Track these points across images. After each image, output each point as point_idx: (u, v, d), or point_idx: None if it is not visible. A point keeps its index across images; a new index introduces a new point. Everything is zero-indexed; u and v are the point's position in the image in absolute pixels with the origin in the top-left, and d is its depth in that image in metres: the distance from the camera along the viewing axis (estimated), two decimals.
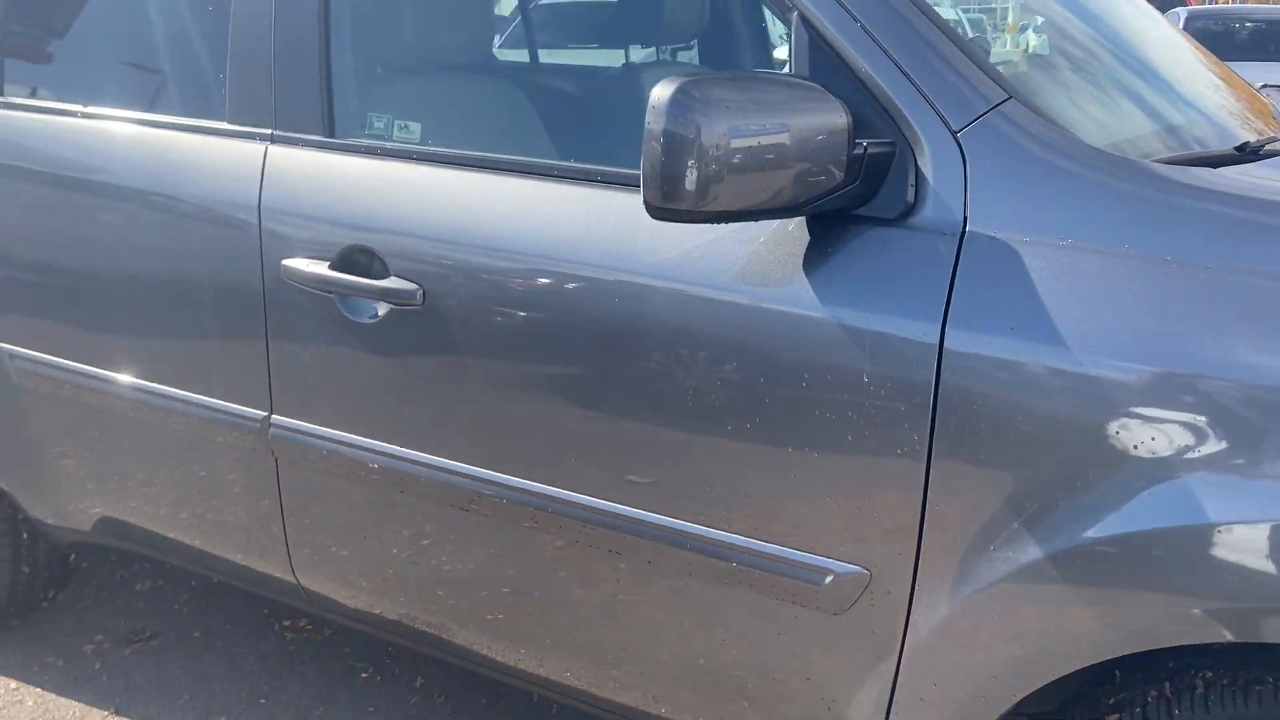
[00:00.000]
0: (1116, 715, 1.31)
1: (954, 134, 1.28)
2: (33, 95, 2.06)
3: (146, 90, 1.94)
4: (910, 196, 1.30)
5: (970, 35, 2.73)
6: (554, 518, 1.55)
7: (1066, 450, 1.19)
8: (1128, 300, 1.18)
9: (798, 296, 1.32)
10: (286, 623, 2.61)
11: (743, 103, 1.21)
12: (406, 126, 1.68)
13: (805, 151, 1.23)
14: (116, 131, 1.91)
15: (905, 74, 1.30)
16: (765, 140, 1.21)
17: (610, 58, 2.62)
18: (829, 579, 1.36)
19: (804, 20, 1.34)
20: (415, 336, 1.60)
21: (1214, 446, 1.13)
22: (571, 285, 1.47)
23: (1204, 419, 1.13)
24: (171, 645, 2.55)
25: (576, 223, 1.48)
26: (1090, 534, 1.19)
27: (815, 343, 1.31)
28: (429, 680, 2.40)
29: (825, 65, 1.33)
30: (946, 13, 2.36)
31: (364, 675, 2.43)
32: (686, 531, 1.45)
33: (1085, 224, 1.22)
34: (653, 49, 2.56)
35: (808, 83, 1.26)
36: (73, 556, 2.57)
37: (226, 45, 1.76)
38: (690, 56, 2.60)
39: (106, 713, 2.32)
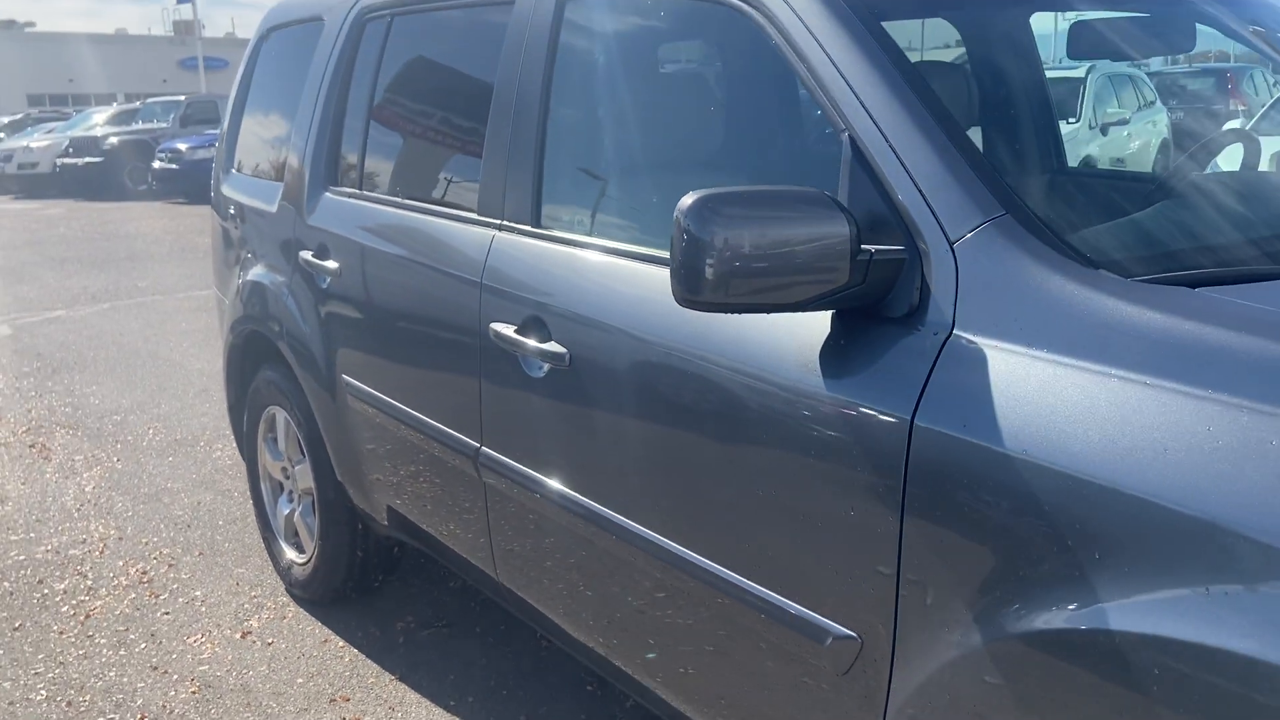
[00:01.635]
0: None
1: (951, 245, 1.39)
2: (374, 189, 2.73)
3: (438, 187, 2.51)
4: (915, 299, 1.42)
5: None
6: (650, 558, 1.81)
7: (1008, 542, 1.26)
8: (1070, 410, 1.23)
9: (816, 381, 1.49)
10: (545, 636, 3.05)
11: (756, 214, 1.42)
12: (582, 220, 2.06)
13: (811, 257, 1.41)
14: (412, 216, 2.49)
15: (920, 190, 1.44)
16: (773, 247, 1.41)
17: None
18: (829, 640, 1.50)
19: (850, 140, 1.53)
20: (566, 392, 1.95)
21: (1131, 563, 1.15)
22: (659, 360, 1.74)
23: (1122, 533, 1.15)
24: (457, 635, 3.10)
25: (669, 307, 1.75)
26: (1033, 626, 1.23)
27: (821, 420, 1.47)
28: (638, 703, 2.70)
29: (864, 179, 1.50)
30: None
31: (589, 688, 2.79)
32: (721, 576, 1.66)
33: (1042, 335, 1.28)
34: None
35: (817, 195, 1.44)
36: (395, 549, 3.21)
37: (481, 158, 2.26)
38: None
39: (395, 676, 2.89)
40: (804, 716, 1.60)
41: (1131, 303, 1.25)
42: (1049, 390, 1.25)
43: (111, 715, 2.75)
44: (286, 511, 3.35)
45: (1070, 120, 10.01)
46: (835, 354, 1.49)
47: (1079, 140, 9.71)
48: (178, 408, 5.51)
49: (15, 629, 3.22)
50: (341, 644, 3.08)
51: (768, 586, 1.59)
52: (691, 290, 1.44)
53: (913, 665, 1.38)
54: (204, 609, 3.31)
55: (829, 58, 1.59)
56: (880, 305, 1.46)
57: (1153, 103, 11.81)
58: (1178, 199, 1.74)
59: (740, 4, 1.74)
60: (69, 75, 46.43)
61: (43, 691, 2.87)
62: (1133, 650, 1.12)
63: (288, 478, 3.33)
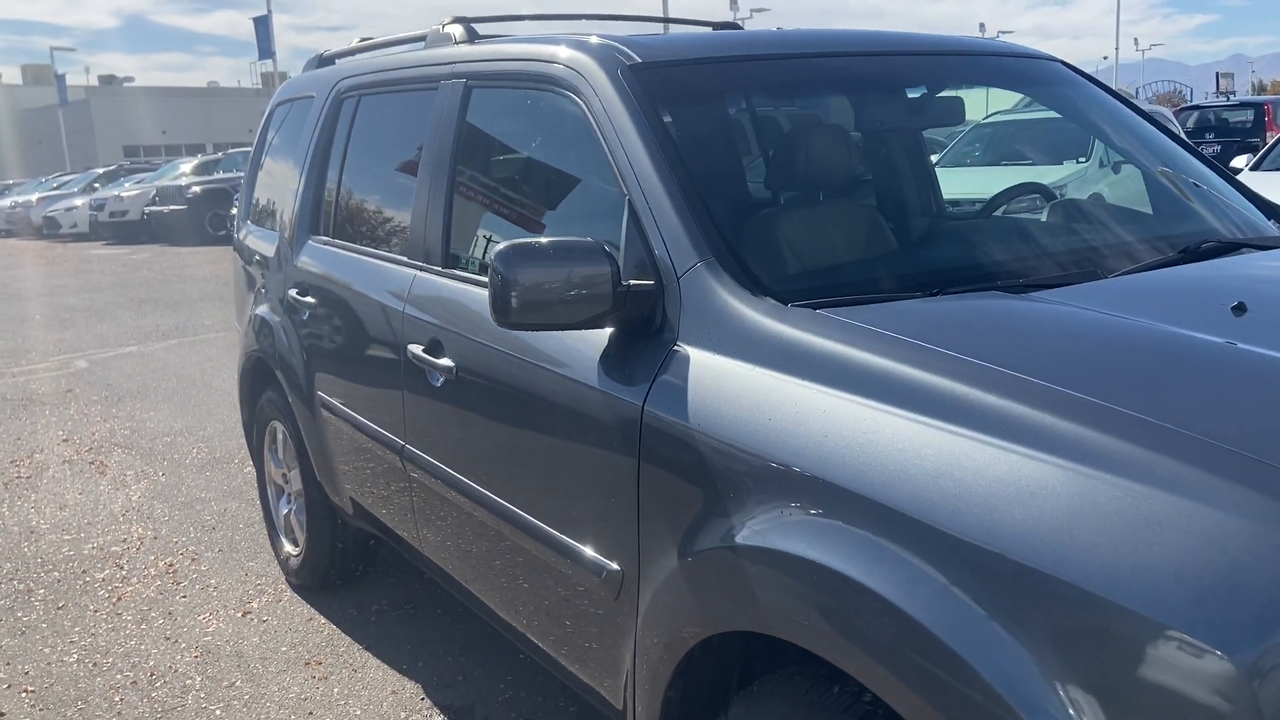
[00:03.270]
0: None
1: (677, 279, 1.89)
2: (340, 236, 3.31)
3: (382, 235, 3.07)
4: (659, 319, 1.92)
5: None
6: (498, 517, 2.32)
7: (696, 489, 1.74)
8: (727, 396, 1.71)
9: (586, 367, 2.00)
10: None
11: (546, 259, 1.93)
12: (473, 261, 2.59)
13: (586, 290, 1.92)
14: (362, 260, 3.05)
15: (664, 241, 1.94)
16: (559, 283, 1.92)
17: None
18: (604, 574, 1.99)
19: (629, 202, 2.03)
20: (454, 396, 2.48)
21: (752, 500, 1.62)
22: (505, 365, 2.26)
23: (747, 479, 1.63)
24: (420, 615, 3.62)
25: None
26: (708, 545, 1.71)
27: (595, 406, 1.97)
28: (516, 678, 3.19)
29: (635, 233, 2.00)
30: None
31: (521, 657, 3.28)
32: (539, 528, 2.17)
33: (721, 343, 1.77)
34: None
35: (592, 245, 1.94)
36: (371, 542, 3.75)
37: (411, 211, 2.82)
38: None
39: (362, 646, 3.43)
40: (595, 630, 2.08)
41: (774, 319, 1.74)
42: (716, 382, 1.74)
43: (127, 673, 3.32)
44: (285, 511, 3.92)
45: (1080, 160, 10.30)
46: (608, 358, 1.99)
47: (1087, 179, 9.97)
48: (220, 430, 6.17)
49: (59, 608, 3.84)
50: (323, 621, 3.63)
51: (568, 535, 2.09)
52: (503, 315, 1.95)
53: (653, 582, 1.86)
54: (215, 594, 3.89)
55: (619, 139, 2.11)
56: (642, 323, 1.96)
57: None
58: (861, 234, 2.21)
59: (573, 96, 2.27)
60: (162, 127, 48.88)
61: (74, 655, 3.46)
62: (751, 554, 1.59)
63: (286, 482, 3.90)
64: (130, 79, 70.74)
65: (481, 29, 3.15)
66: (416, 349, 2.61)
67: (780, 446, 1.59)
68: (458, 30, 2.96)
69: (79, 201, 25.47)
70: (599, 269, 1.91)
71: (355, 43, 3.86)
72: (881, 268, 2.11)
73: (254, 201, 4.19)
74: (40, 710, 3.12)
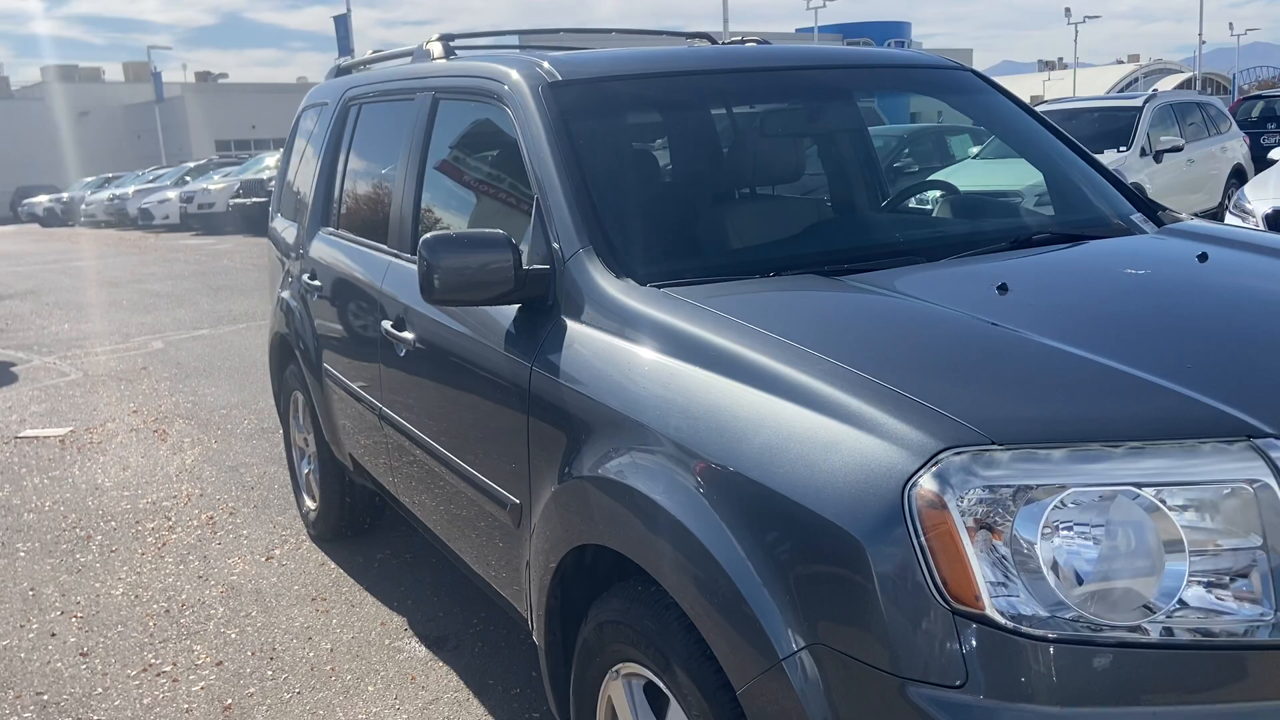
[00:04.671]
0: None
1: (564, 262, 2.30)
2: (341, 227, 3.78)
3: (370, 226, 3.53)
4: (552, 297, 2.33)
5: None
6: (441, 465, 2.76)
7: (568, 431, 2.15)
8: (586, 356, 2.12)
9: (501, 335, 2.42)
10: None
11: (462, 248, 2.35)
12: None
13: (493, 273, 2.33)
14: (354, 247, 3.52)
15: (558, 234, 2.34)
16: (471, 267, 2.34)
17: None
18: (509, 506, 2.41)
19: (536, 200, 2.45)
20: (413, 364, 2.92)
21: (603, 440, 2.03)
22: (446, 335, 2.70)
23: (599, 425, 2.04)
24: (419, 563, 4.09)
25: None
26: (568, 476, 2.11)
27: (501, 366, 2.39)
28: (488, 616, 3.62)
29: (540, 227, 2.41)
30: None
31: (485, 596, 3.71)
32: (469, 471, 2.60)
33: (587, 315, 2.17)
34: None
35: (499, 236, 2.35)
36: (376, 498, 4.23)
37: (390, 205, 3.27)
38: None
39: (362, 586, 3.91)
40: (506, 552, 2.51)
41: (626, 295, 2.13)
42: (580, 346, 2.15)
43: (162, 604, 3.86)
44: (305, 471, 4.43)
45: (1120, 149, 10.39)
46: (512, 328, 2.40)
47: (1129, 168, 10.08)
48: (270, 405, 6.72)
49: (111, 551, 4.41)
50: (333, 566, 4.12)
51: (487, 476, 2.52)
52: (428, 293, 2.37)
53: (538, 510, 2.27)
54: (245, 542, 4.42)
55: (533, 146, 2.52)
56: (540, 301, 2.37)
57: (1225, 130, 11.95)
58: (724, 226, 2.59)
59: (507, 109, 2.68)
60: (252, 122, 50.60)
61: (120, 589, 4.01)
62: (594, 483, 2.00)
63: (306, 445, 4.41)
64: (225, 75, 73.22)
65: (473, 42, 3.59)
66: (388, 325, 3.06)
67: (614, 396, 2.00)
68: (437, 48, 3.40)
69: (171, 194, 26.76)
70: (503, 256, 2.32)
71: (369, 54, 4.34)
72: (732, 255, 2.49)
73: (283, 195, 4.70)
74: (86, 632, 3.66)
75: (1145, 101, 10.90)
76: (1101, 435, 1.46)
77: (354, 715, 3.04)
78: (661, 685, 1.90)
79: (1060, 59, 79.82)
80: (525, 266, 2.34)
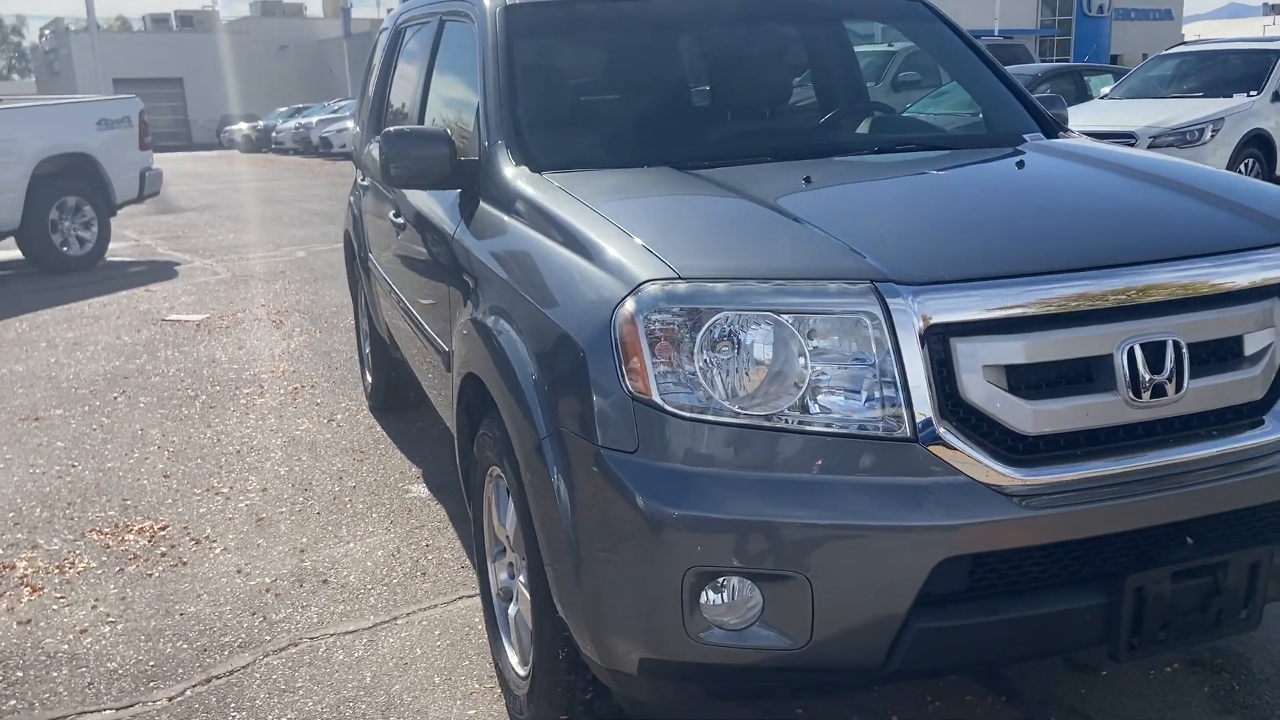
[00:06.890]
0: None
1: (490, 151, 2.82)
2: None
3: None
4: (479, 184, 2.86)
5: None
6: (406, 313, 3.36)
7: (472, 286, 2.70)
8: (491, 231, 2.65)
9: (444, 214, 2.97)
10: None
11: (411, 141, 2.90)
12: None
13: (433, 163, 2.87)
14: None
15: (489, 129, 2.86)
16: (417, 157, 2.89)
17: None
18: (443, 351, 2.99)
19: (479, 102, 2.97)
20: (401, 242, 3.52)
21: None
22: (417, 212, 3.28)
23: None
24: (447, 433, 4.75)
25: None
26: (465, 320, 2.68)
27: (442, 237, 2.95)
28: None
29: (480, 124, 2.94)
30: None
31: None
32: (431, 336, 3.18)
33: (494, 198, 2.69)
34: None
35: (439, 132, 2.88)
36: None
37: (408, 116, 3.87)
38: None
39: (396, 446, 4.59)
40: (446, 390, 3.08)
41: (518, 180, 2.64)
42: (481, 219, 2.68)
43: (235, 447, 4.65)
44: (366, 350, 5.16)
45: (1251, 93, 10.10)
46: (453, 208, 2.95)
47: (1257, 112, 9.86)
48: None
49: (210, 408, 5.26)
50: (380, 430, 4.83)
51: (430, 325, 3.11)
52: (385, 177, 2.95)
53: (453, 349, 2.84)
54: (316, 409, 5.19)
55: (484, 58, 3.04)
56: (471, 185, 2.91)
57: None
58: (620, 122, 3.03)
59: (475, 29, 3.21)
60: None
61: (207, 435, 4.84)
62: (474, 324, 2.55)
63: (366, 327, 5.13)
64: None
65: None
66: (392, 214, 3.68)
67: (490, 256, 2.54)
68: None
69: (349, 124, 28.42)
70: (440, 149, 2.86)
71: None
72: (615, 151, 2.95)
73: (362, 119, 5.38)
74: (172, 461, 4.49)
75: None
76: (758, 274, 1.91)
77: (356, 530, 3.72)
78: (504, 480, 2.46)
79: None
80: (460, 158, 2.88)
